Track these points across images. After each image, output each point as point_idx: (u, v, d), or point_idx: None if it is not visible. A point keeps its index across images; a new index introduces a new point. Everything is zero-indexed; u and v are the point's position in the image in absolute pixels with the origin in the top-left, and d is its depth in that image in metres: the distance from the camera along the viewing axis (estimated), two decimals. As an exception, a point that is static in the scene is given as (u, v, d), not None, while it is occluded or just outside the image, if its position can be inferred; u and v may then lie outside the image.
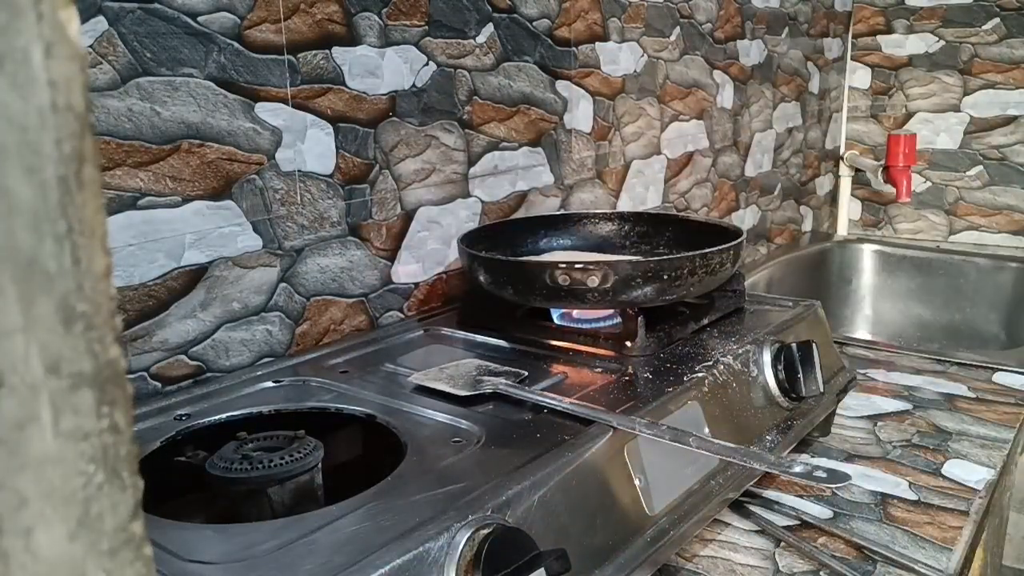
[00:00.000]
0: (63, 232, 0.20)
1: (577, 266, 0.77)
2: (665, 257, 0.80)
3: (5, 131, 0.18)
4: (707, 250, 0.80)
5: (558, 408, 0.66)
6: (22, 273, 0.19)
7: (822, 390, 0.82)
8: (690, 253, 0.79)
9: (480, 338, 0.85)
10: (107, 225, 0.21)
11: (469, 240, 0.91)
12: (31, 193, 0.19)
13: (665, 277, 0.77)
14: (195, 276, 0.75)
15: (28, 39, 0.19)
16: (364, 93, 0.88)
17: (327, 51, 0.84)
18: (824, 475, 0.55)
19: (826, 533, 0.76)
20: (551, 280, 0.77)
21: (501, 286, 0.83)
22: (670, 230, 1.03)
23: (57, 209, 0.19)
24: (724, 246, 0.81)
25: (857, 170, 2.03)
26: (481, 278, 0.85)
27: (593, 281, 0.76)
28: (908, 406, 1.06)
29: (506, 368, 0.74)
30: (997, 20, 1.85)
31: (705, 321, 0.87)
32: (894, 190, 1.83)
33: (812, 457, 0.91)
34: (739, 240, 0.84)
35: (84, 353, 0.20)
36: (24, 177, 0.19)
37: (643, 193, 1.37)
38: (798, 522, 0.78)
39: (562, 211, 1.17)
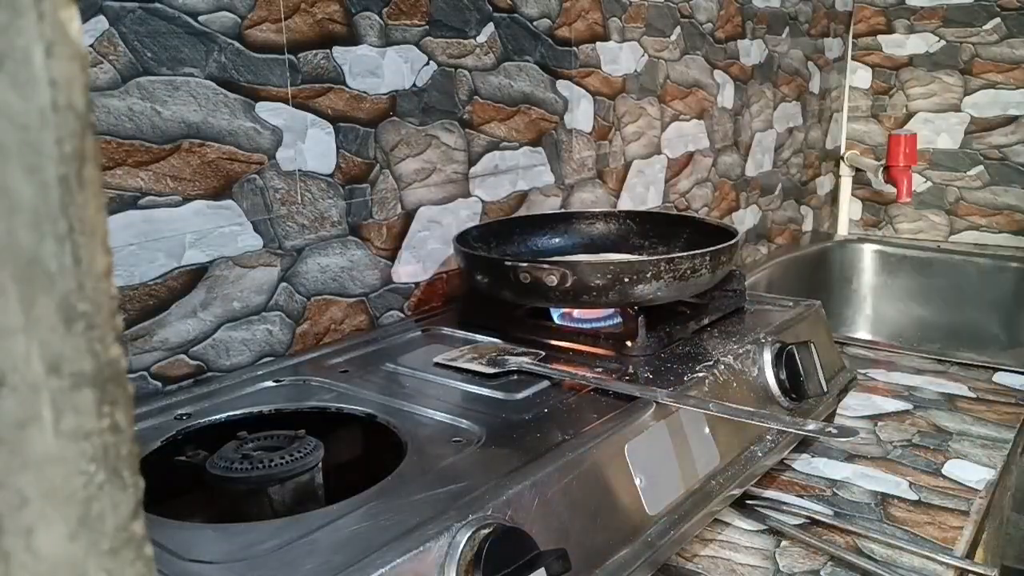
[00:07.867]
0: (64, 231, 0.20)
1: (541, 267, 0.78)
2: (627, 260, 0.81)
3: (6, 130, 0.18)
4: (692, 252, 0.79)
5: (579, 382, 0.71)
6: (23, 272, 0.19)
7: (825, 389, 0.82)
8: (660, 257, 0.79)
9: (480, 338, 0.85)
10: (108, 224, 0.21)
11: (463, 238, 0.92)
12: (32, 192, 0.19)
13: (626, 280, 0.77)
14: (196, 276, 0.75)
15: (29, 39, 0.19)
16: (365, 93, 0.88)
17: (328, 51, 0.84)
18: (835, 431, 0.63)
19: (828, 532, 0.76)
20: (514, 277, 0.79)
21: (489, 285, 0.84)
22: (675, 230, 1.03)
23: (58, 208, 0.19)
24: (702, 251, 0.80)
25: (858, 170, 2.03)
26: (472, 276, 0.86)
27: (552, 280, 0.77)
28: (908, 406, 1.06)
29: (524, 349, 0.79)
30: (998, 20, 1.85)
31: (706, 321, 0.87)
32: (895, 190, 1.83)
33: (812, 457, 0.91)
34: (733, 242, 0.84)
35: (85, 353, 0.20)
36: (25, 176, 0.19)
37: (643, 193, 1.37)
38: (799, 521, 0.78)
39: (563, 210, 1.17)
